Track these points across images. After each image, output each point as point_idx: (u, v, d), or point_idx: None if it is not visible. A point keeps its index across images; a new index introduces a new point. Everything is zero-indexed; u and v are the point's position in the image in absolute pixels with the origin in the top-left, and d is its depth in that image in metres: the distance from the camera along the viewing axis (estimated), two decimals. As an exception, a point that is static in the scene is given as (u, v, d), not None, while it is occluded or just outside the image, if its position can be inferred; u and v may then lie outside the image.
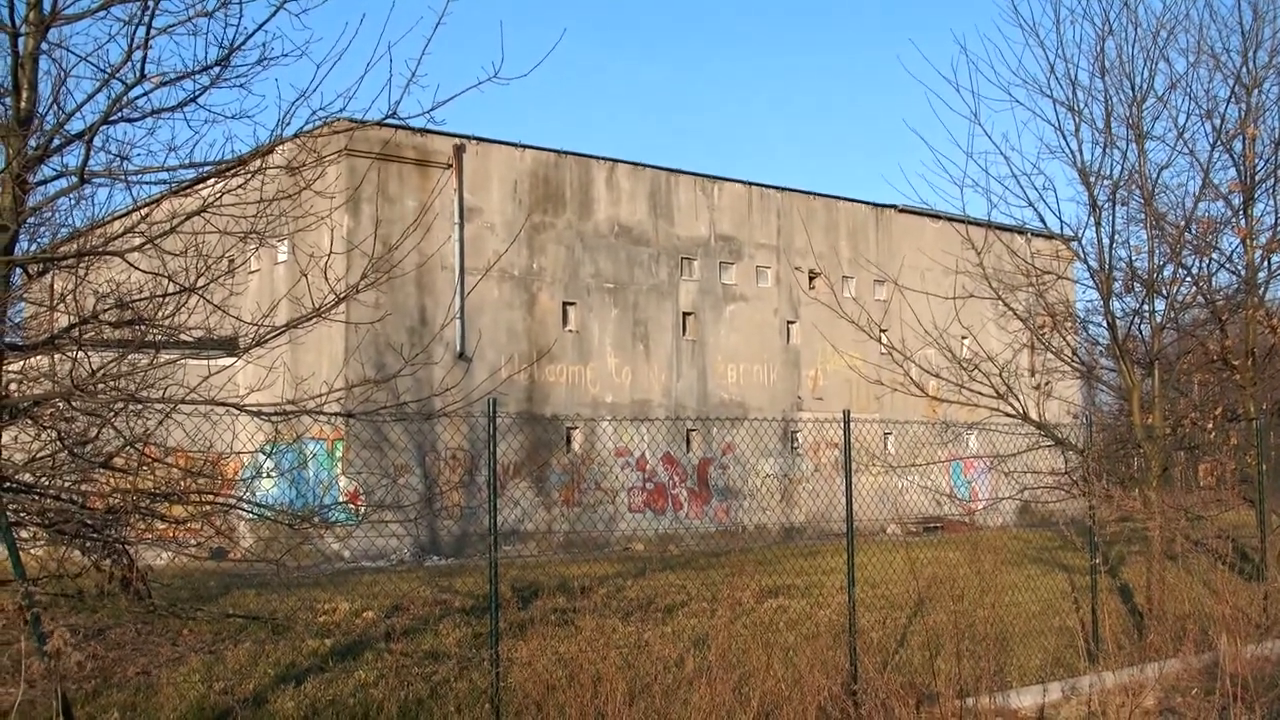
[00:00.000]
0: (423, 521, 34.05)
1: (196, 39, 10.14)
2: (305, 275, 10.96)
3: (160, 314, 11.04)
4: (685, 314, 44.48)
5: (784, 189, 47.95)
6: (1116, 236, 20.05)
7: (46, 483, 11.15)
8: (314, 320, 11.02)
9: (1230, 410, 21.16)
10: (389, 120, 10.77)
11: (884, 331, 18.67)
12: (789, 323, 47.20)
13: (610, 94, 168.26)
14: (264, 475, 13.03)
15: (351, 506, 28.06)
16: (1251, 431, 20.64)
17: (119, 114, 10.24)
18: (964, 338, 19.63)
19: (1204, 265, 21.12)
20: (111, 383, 10.75)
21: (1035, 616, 19.10)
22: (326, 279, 11.17)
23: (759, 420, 41.82)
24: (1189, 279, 20.82)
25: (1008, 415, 18.82)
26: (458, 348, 37.05)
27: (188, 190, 11.28)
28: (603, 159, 43.14)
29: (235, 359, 11.02)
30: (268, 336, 10.96)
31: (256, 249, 12.08)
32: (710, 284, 45.28)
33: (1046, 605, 20.00)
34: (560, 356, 40.40)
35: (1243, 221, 21.44)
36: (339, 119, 10.95)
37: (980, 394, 18.63)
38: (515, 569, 27.62)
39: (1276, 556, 19.94)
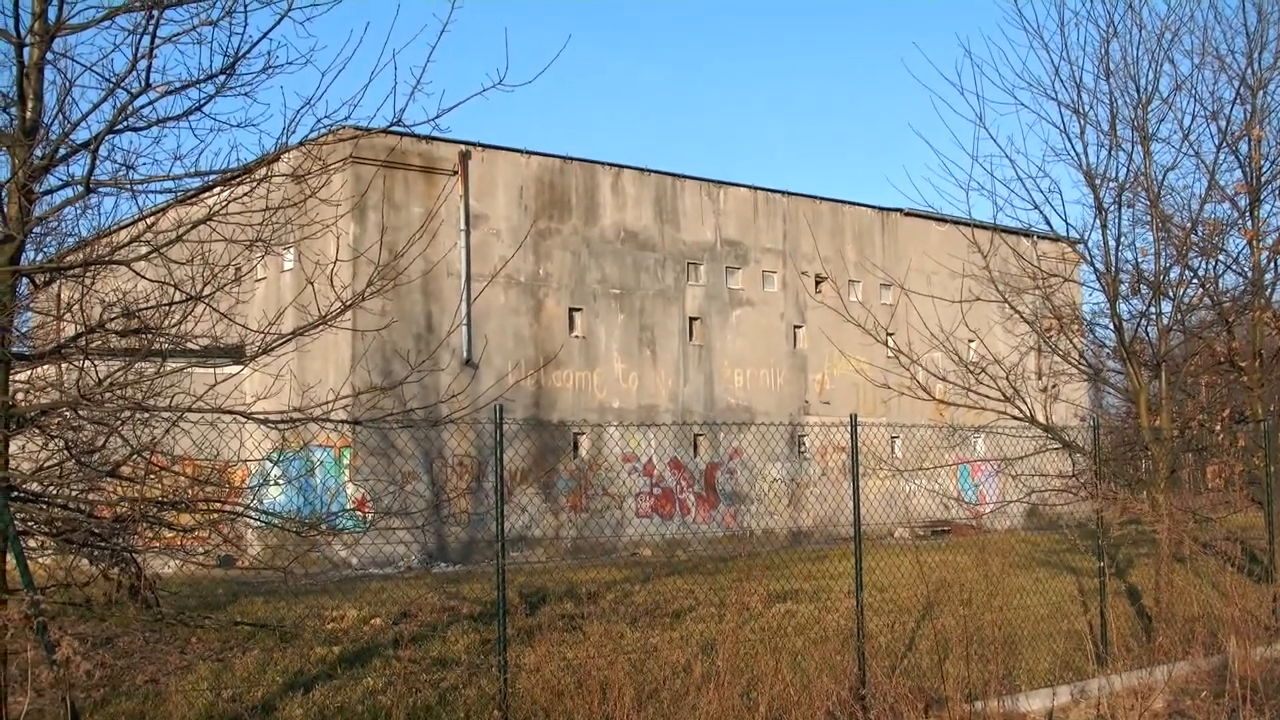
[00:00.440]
0: (430, 528, 34.07)
1: (201, 47, 10.13)
2: (311, 283, 10.97)
3: (167, 322, 11.04)
4: (692, 319, 44.49)
5: (789, 193, 47.97)
6: (1123, 239, 20.03)
7: (54, 492, 11.14)
8: (320, 328, 11.02)
9: (1238, 412, 21.14)
10: (394, 128, 10.78)
11: (890, 335, 18.65)
12: (795, 327, 47.21)
13: (612, 96, 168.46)
14: (271, 483, 13.03)
15: (359, 513, 28.08)
16: (1259, 433, 20.62)
17: (124, 123, 10.23)
18: (970, 341, 19.64)
19: (1210, 267, 21.11)
20: (118, 391, 10.75)
21: (1043, 619, 19.08)
22: (333, 286, 11.18)
23: (766, 425, 41.83)
24: (1195, 281, 20.81)
25: (1015, 418, 18.81)
26: (464, 354, 37.06)
27: (193, 199, 11.27)
28: (608, 165, 43.16)
29: (242, 367, 10.99)
30: (274, 344, 10.96)
31: (263, 257, 12.13)
32: (716, 289, 45.30)
33: (1055, 608, 19.98)
34: (567, 362, 40.41)
35: (1249, 223, 21.43)
36: (344, 127, 10.96)
37: (987, 397, 18.63)
38: (523, 575, 27.62)
39: (1286, 558, 19.92)
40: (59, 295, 12.88)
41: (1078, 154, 19.91)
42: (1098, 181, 19.80)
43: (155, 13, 9.81)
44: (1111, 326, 20.27)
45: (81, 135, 10.31)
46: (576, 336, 41.33)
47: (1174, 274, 20.34)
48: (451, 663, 16.79)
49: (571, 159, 42.28)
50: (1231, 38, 22.12)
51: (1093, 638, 16.51)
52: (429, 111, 10.73)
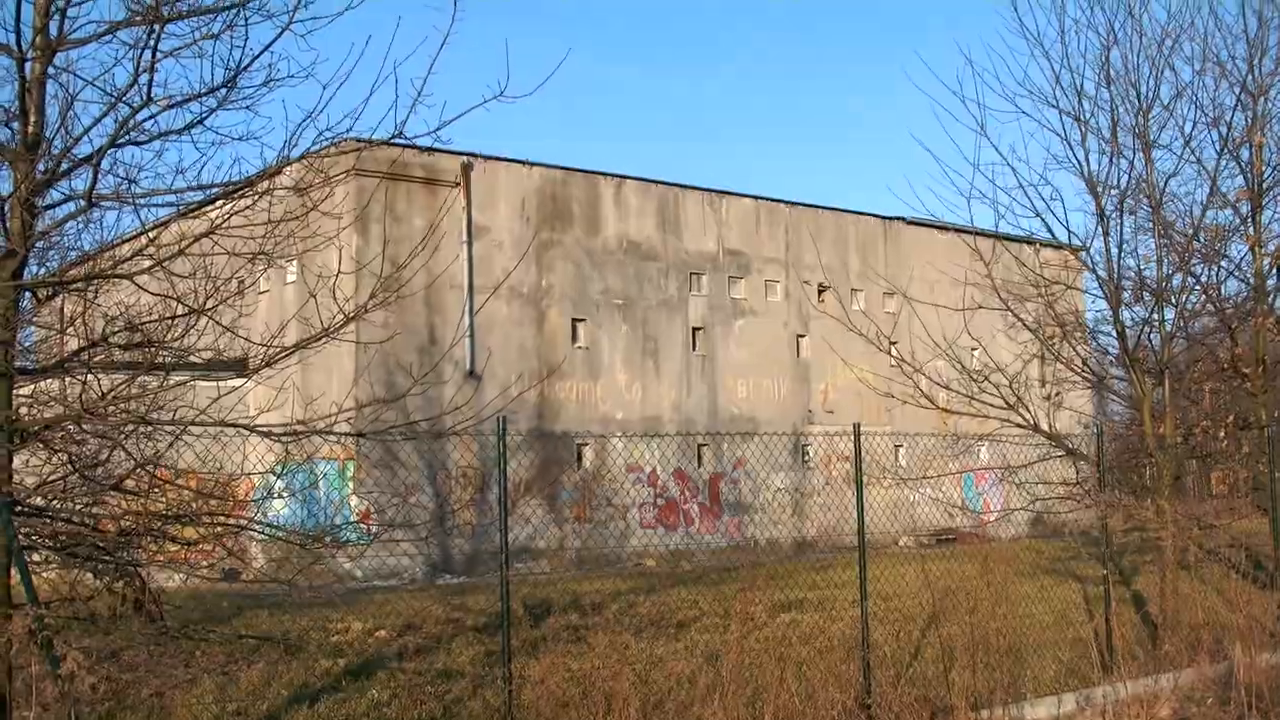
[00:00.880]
0: (434, 540, 34.07)
1: (203, 61, 10.15)
2: (314, 296, 10.97)
3: (170, 336, 11.05)
4: (695, 329, 44.50)
5: (792, 203, 48.01)
6: (1125, 246, 20.04)
7: (58, 506, 11.16)
8: (323, 340, 11.03)
9: (1242, 418, 21.12)
10: (396, 140, 10.80)
11: (893, 344, 18.69)
12: (799, 336, 47.23)
13: (614, 105, 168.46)
14: (275, 496, 13.02)
15: (363, 526, 28.09)
16: (1263, 439, 20.59)
17: (126, 137, 10.25)
18: (974, 349, 19.63)
19: (1213, 274, 21.11)
20: (122, 405, 10.76)
21: (1049, 627, 19.06)
22: (335, 299, 11.18)
23: (770, 434, 41.81)
24: (1198, 287, 20.79)
25: (1018, 426, 18.80)
26: (468, 366, 37.06)
27: (196, 212, 11.29)
28: (610, 175, 43.19)
29: (245, 380, 11.00)
30: (277, 357, 10.96)
31: (265, 270, 12.12)
32: (719, 299, 45.31)
33: (1060, 616, 19.96)
34: (570, 373, 40.41)
35: (1251, 229, 21.43)
36: (346, 139, 10.98)
37: (991, 405, 18.63)
38: (527, 586, 27.60)
39: (1291, 564, 19.89)
40: (62, 309, 12.89)
41: (1079, 161, 19.93)
42: (1099, 189, 19.81)
43: (157, 27, 9.84)
44: (1114, 334, 20.28)
45: (83, 149, 10.34)
46: (580, 347, 41.33)
47: (1176, 281, 20.35)
48: (456, 675, 16.77)
49: (573, 170, 42.30)
50: (1232, 44, 22.15)
51: (1098, 645, 16.47)
52: (430, 123, 10.73)
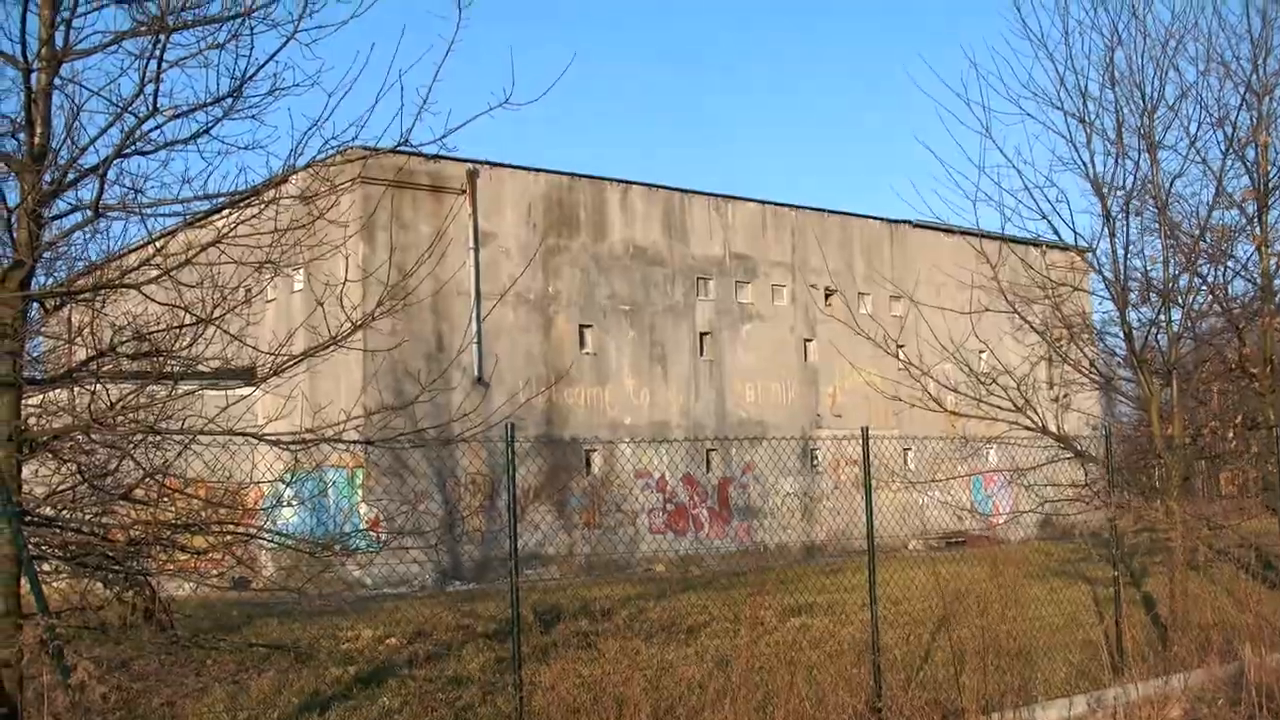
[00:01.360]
0: (444, 547, 34.05)
1: (208, 71, 10.16)
2: (321, 304, 11.00)
3: (177, 345, 11.07)
4: (702, 334, 44.51)
5: (797, 207, 48.01)
6: (1131, 247, 20.02)
7: (67, 516, 11.18)
8: (331, 348, 11.04)
9: (1250, 418, 21.08)
10: (402, 148, 10.82)
11: (901, 347, 18.62)
12: (806, 340, 47.22)
13: (620, 109, 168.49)
14: (284, 504, 13.03)
15: (372, 533, 28.09)
16: (1272, 439, 20.57)
17: (132, 147, 10.28)
18: (981, 352, 19.61)
19: (1219, 274, 21.08)
20: (130, 415, 10.78)
21: (1059, 630, 19.03)
22: (343, 307, 11.20)
23: (778, 439, 41.78)
24: (1205, 288, 20.77)
25: (1027, 428, 18.78)
26: (475, 372, 37.08)
27: (202, 221, 11.31)
28: (616, 181, 43.21)
29: (254, 389, 11.01)
30: (285, 365, 10.99)
31: (272, 279, 12.12)
32: (726, 303, 45.32)
33: (1070, 618, 19.94)
34: (578, 379, 40.41)
35: (1257, 229, 21.40)
36: (352, 147, 11.00)
37: (999, 408, 18.61)
38: (537, 592, 27.61)
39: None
40: (70, 319, 12.91)
41: (1084, 163, 19.91)
42: (1105, 190, 19.80)
43: (162, 37, 9.86)
44: (1122, 335, 20.26)
45: (90, 160, 10.36)
46: (587, 353, 41.34)
47: (1183, 281, 20.31)
48: (467, 681, 16.78)
49: (579, 176, 42.33)
50: (1236, 44, 22.08)
51: (1108, 647, 16.46)
52: (436, 131, 10.76)
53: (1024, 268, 20.13)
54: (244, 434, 11.00)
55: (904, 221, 50.44)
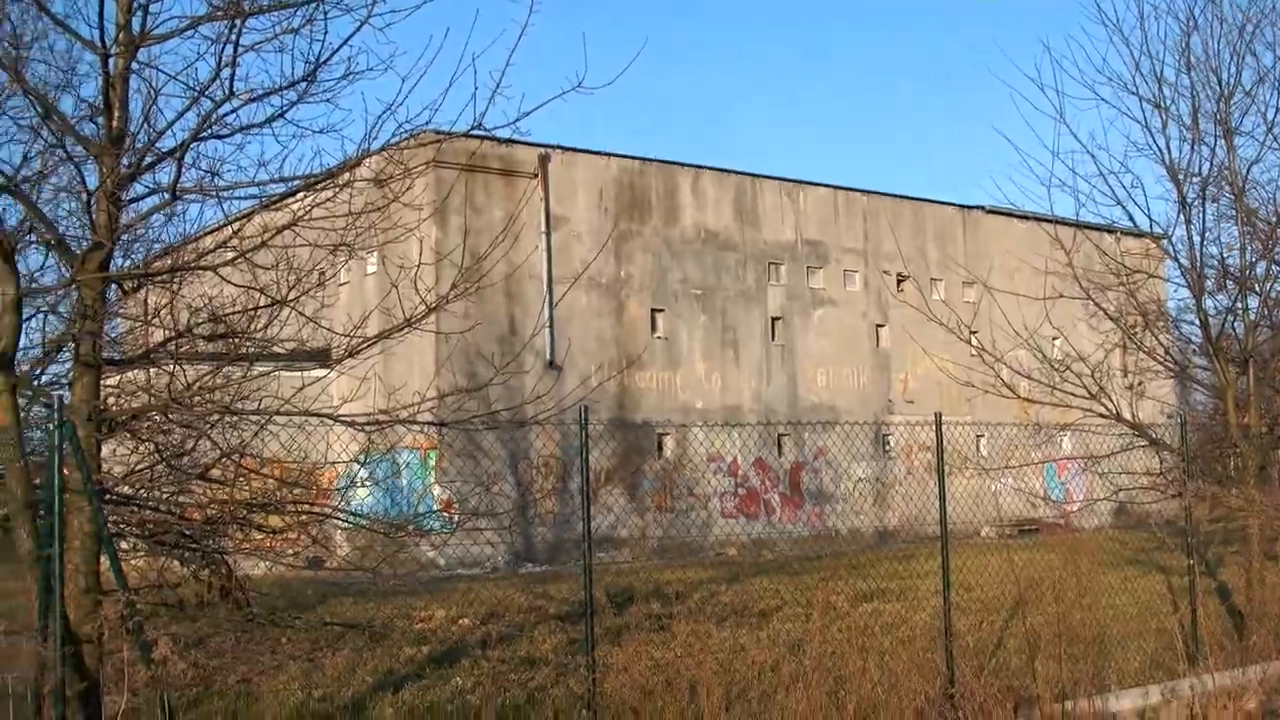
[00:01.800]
0: (517, 529, 34.18)
1: (283, 55, 10.20)
2: (395, 287, 11.05)
3: (253, 327, 11.16)
4: (774, 319, 44.44)
5: (869, 192, 47.84)
6: (1207, 234, 19.79)
7: (145, 494, 11.30)
8: (405, 330, 11.09)
9: (1329, 407, 20.83)
10: (475, 132, 10.83)
11: (974, 333, 18.52)
12: (878, 326, 47.07)
13: (689, 94, 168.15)
14: (358, 485, 13.12)
15: (446, 515, 28.24)
16: (1350, 428, 20.32)
17: (209, 131, 10.34)
18: (1055, 338, 19.49)
19: (1298, 261, 20.81)
20: (207, 395, 10.88)
21: (1133, 619, 18.89)
22: (417, 290, 11.24)
23: (850, 424, 41.67)
24: (1282, 275, 20.52)
25: (1101, 416, 18.63)
26: (548, 356, 37.13)
27: (277, 204, 11.38)
28: (687, 165, 43.19)
29: (329, 370, 11.10)
30: (360, 347, 11.05)
31: (346, 261, 12.19)
32: (798, 289, 45.22)
33: (1144, 607, 19.78)
34: (650, 363, 40.42)
35: (1337, 215, 21.12)
36: (425, 131, 11.02)
37: (1072, 395, 18.47)
38: (609, 575, 27.66)
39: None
40: (145, 301, 13.03)
41: (1160, 149, 19.68)
42: (1181, 176, 19.58)
43: (238, 22, 9.92)
44: (1197, 322, 20.04)
45: (166, 143, 10.44)
46: (659, 337, 41.36)
47: (1260, 269, 20.09)
48: (540, 662, 16.83)
49: (650, 160, 42.34)
50: (1314, 29, 21.76)
51: (1183, 636, 16.30)
52: (509, 115, 10.75)
53: (1098, 254, 19.96)
54: (320, 415, 11.08)
55: (977, 207, 50.17)
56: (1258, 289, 20.13)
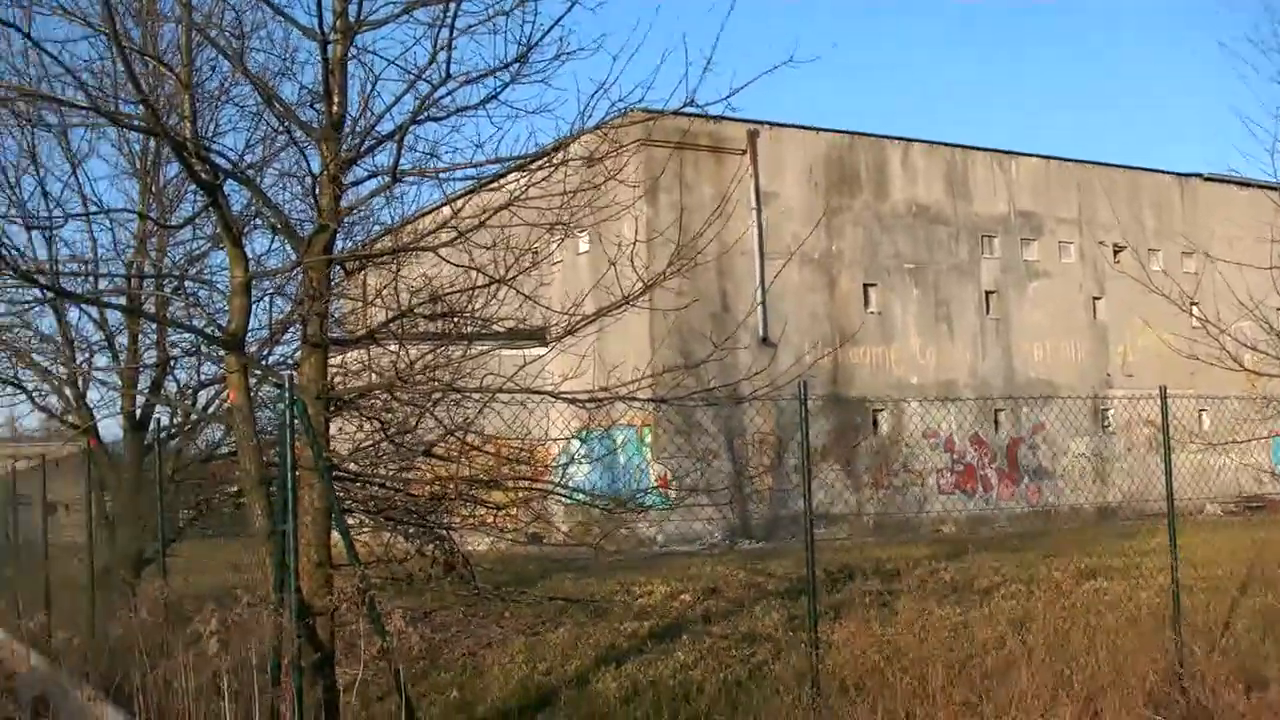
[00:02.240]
0: (733, 506, 34.23)
1: (496, 37, 10.30)
2: (614, 264, 11.10)
3: (471, 306, 11.32)
4: (987, 292, 43.94)
5: (1082, 161, 46.98)
6: None
7: (370, 471, 11.54)
8: (623, 308, 11.15)
9: None
10: (686, 109, 10.83)
11: (1195, 304, 18.07)
12: (1095, 298, 46.24)
13: (897, 66, 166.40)
14: (577, 462, 13.24)
15: (663, 492, 28.39)
16: None
17: (426, 114, 10.49)
18: (1281, 309, 18.91)
19: None
20: (430, 374, 11.07)
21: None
22: (634, 267, 11.30)
23: (1068, 398, 41.02)
24: None
25: (1334, 388, 18.08)
26: (760, 332, 37.10)
27: (492, 185, 11.51)
28: (896, 139, 42.91)
29: (548, 349, 11.23)
30: (579, 325, 11.13)
31: (562, 240, 12.29)
32: (1012, 261, 44.62)
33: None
34: (863, 339, 40.20)
35: None
36: (637, 109, 11.05)
37: (1303, 366, 17.94)
38: (827, 552, 27.51)
39: None
40: (364, 282, 13.30)
41: (1398, 108, 19.04)
42: None
43: (453, 5, 10.03)
44: None
45: (384, 127, 10.62)
46: (872, 312, 41.14)
47: None
48: (760, 639, 16.82)
49: (859, 134, 42.09)
50: None
51: None
52: (720, 92, 10.74)
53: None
54: (542, 392, 11.20)
55: (1194, 175, 48.95)
56: None
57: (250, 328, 11.34)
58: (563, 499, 11.96)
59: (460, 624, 17.81)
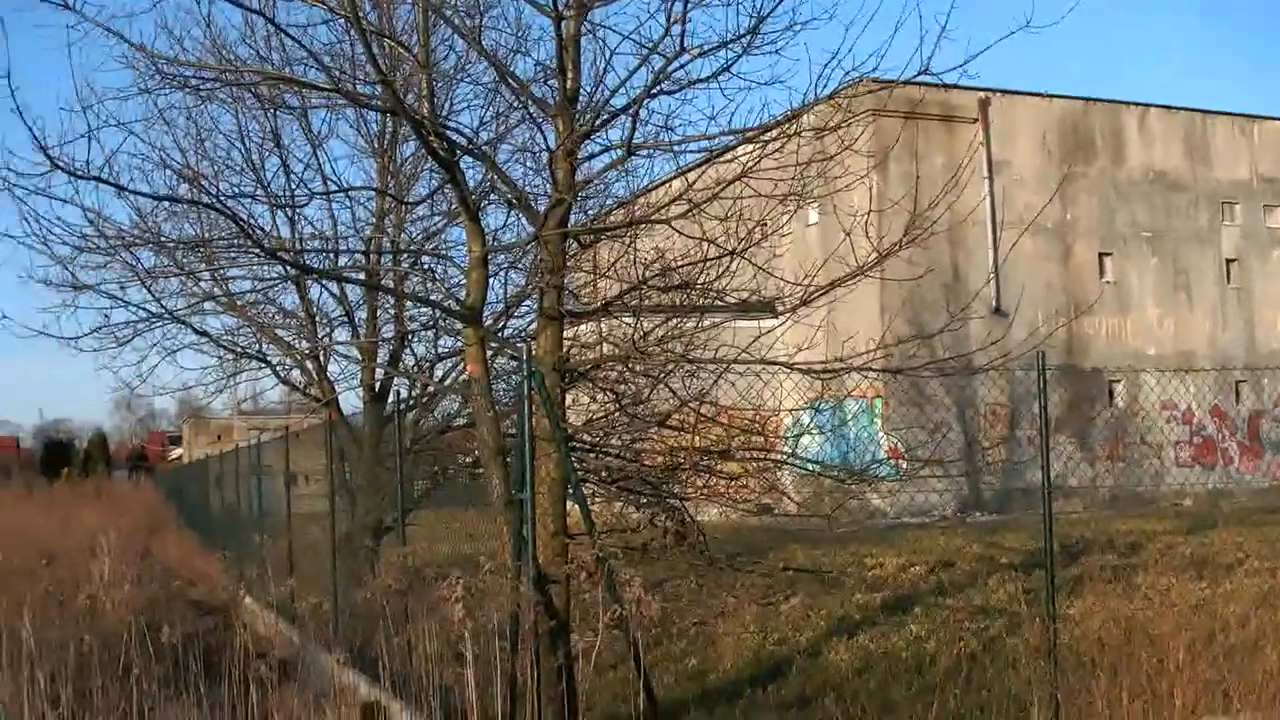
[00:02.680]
0: (966, 477, 33.91)
1: (728, 10, 10.32)
2: (849, 234, 11.07)
3: (704, 278, 11.40)
4: (1228, 260, 42.75)
5: (1330, 123, 45.33)
6: None
7: (604, 442, 11.70)
8: (858, 278, 11.13)
9: None
10: (919, 78, 10.74)
11: None
12: (1346, 267, 44.66)
13: (1136, 31, 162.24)
14: (810, 432, 13.26)
15: (894, 463, 28.24)
16: None
17: (659, 88, 10.57)
18: None
19: None
20: (663, 345, 11.18)
21: None
22: (868, 237, 11.25)
23: (1314, 370, 39.88)
24: None
25: None
26: (993, 302, 36.59)
27: (725, 156, 11.55)
28: (1133, 104, 41.91)
29: (782, 320, 11.24)
30: (813, 295, 11.14)
31: (795, 211, 12.29)
32: (1254, 228, 43.33)
33: None
34: (1097, 309, 39.46)
35: None
36: (869, 78, 10.99)
37: None
38: (1062, 525, 26.99)
39: None
40: (594, 255, 13.45)
41: None
42: None
43: (686, -22, 10.07)
44: None
45: (618, 101, 10.73)
46: (1107, 282, 40.34)
47: None
48: (994, 612, 16.66)
49: (1094, 100, 41.23)
50: None
51: None
52: (954, 60, 10.61)
53: None
54: (776, 363, 11.23)
55: None
56: None
57: (487, 301, 11.54)
58: (796, 469, 11.98)
59: (692, 593, 17.96)
